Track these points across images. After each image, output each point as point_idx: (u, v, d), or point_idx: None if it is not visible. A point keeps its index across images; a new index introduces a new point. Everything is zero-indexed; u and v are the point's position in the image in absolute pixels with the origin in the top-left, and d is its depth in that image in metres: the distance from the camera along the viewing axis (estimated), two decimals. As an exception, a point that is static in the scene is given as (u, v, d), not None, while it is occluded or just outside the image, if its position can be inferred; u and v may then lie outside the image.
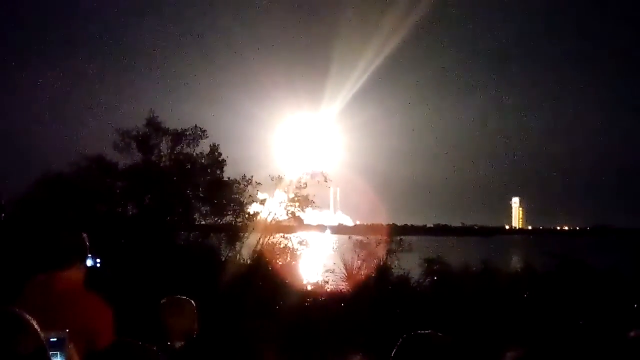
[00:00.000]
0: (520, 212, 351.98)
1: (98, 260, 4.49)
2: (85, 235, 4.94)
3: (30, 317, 2.37)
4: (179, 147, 23.61)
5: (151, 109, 23.89)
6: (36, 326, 2.36)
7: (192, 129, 23.65)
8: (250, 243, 23.83)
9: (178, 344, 4.82)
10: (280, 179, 24.95)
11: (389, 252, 23.71)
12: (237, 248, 23.41)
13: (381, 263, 23.32)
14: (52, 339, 2.41)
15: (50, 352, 2.48)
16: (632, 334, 3.47)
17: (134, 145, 23.07)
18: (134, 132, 23.13)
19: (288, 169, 27.22)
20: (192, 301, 5.15)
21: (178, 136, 23.51)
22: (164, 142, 23.53)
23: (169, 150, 23.58)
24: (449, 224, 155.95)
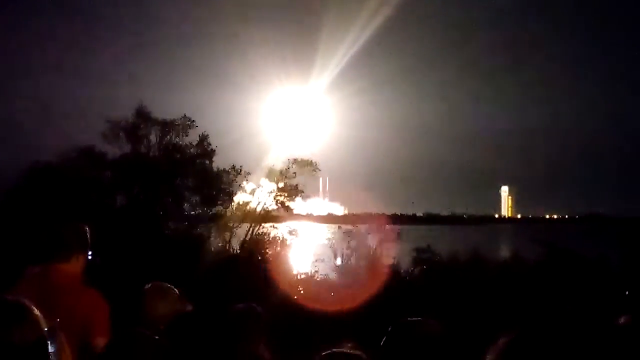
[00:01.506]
0: (510, 201, 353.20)
1: (89, 252, 4.45)
2: (86, 227, 4.92)
3: (32, 306, 2.38)
4: (168, 137, 23.56)
5: (140, 99, 23.87)
6: (38, 315, 2.37)
7: (181, 118, 23.62)
8: (239, 233, 23.83)
9: (161, 326, 4.81)
10: (269, 168, 25.00)
11: (379, 241, 23.74)
12: (227, 238, 23.40)
13: (371, 252, 23.35)
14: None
15: None
16: (621, 320, 3.48)
17: (123, 135, 23.01)
18: (123, 122, 23.08)
19: (277, 147, 27.29)
20: (176, 288, 5.14)
21: (167, 126, 23.46)
22: (153, 132, 23.50)
23: (158, 141, 23.53)
24: (438, 212, 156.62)
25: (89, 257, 4.90)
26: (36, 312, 2.38)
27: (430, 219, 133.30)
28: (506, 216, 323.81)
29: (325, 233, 29.55)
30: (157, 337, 3.74)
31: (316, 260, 23.66)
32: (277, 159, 25.79)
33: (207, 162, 23.83)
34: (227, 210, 24.04)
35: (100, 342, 4.41)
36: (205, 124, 24.49)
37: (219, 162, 24.10)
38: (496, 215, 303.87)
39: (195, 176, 23.42)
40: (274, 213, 24.97)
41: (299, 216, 27.83)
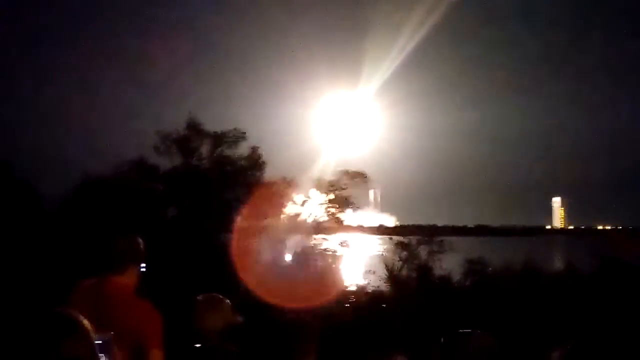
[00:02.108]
0: (561, 212, 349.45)
1: (143, 264, 4.47)
2: (140, 239, 4.94)
3: (83, 319, 2.37)
4: (219, 149, 23.66)
5: (190, 111, 23.99)
6: (89, 328, 2.36)
7: (232, 131, 23.70)
8: (290, 244, 23.82)
9: (214, 340, 4.82)
10: (320, 179, 25.00)
11: (430, 252, 23.66)
12: (278, 249, 23.41)
13: (422, 264, 23.29)
14: (96, 341, 2.40)
15: None
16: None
17: (174, 148, 23.15)
18: (175, 135, 23.21)
19: (328, 151, 27.41)
20: (227, 300, 5.14)
21: (218, 139, 23.56)
22: (204, 144, 23.61)
23: (209, 153, 23.65)
24: (489, 224, 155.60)
25: (143, 269, 4.93)
26: (87, 324, 2.36)
27: (481, 230, 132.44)
28: (558, 227, 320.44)
29: (377, 245, 29.53)
30: (236, 351, 3.78)
31: (367, 272, 23.66)
32: (327, 163, 25.83)
33: (258, 173, 23.89)
34: (278, 221, 24.06)
35: (154, 354, 4.44)
36: (256, 130, 24.63)
37: (271, 168, 24.21)
38: (548, 227, 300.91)
39: (246, 188, 23.46)
40: (324, 225, 24.92)
41: (349, 227, 27.79)
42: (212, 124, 24.24)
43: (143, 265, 4.92)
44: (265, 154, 24.21)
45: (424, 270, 23.04)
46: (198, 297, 5.10)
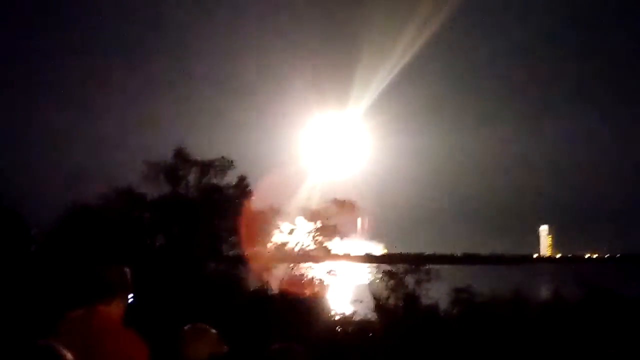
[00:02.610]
0: (549, 240, 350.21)
1: (130, 295, 4.47)
2: (127, 270, 4.94)
3: (66, 352, 2.36)
4: (207, 178, 23.68)
5: (180, 139, 24.07)
6: None
7: (219, 159, 23.73)
8: (278, 273, 23.80)
9: None
10: (307, 208, 25.01)
11: (418, 281, 23.64)
12: (265, 278, 23.38)
13: (409, 293, 23.26)
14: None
15: None
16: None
17: (162, 177, 23.15)
18: (162, 164, 23.21)
19: (316, 174, 27.51)
20: (214, 329, 5.13)
21: (206, 167, 23.59)
22: (192, 173, 23.63)
23: (197, 182, 23.66)
24: (477, 252, 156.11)
25: (130, 300, 4.92)
26: (70, 357, 2.37)
27: (469, 259, 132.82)
28: (546, 255, 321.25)
29: (364, 273, 29.55)
30: None
31: (354, 301, 23.64)
32: (315, 186, 25.90)
33: (246, 202, 23.89)
34: (265, 250, 24.04)
35: None
36: (243, 152, 24.80)
37: (258, 192, 24.28)
38: (535, 255, 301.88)
39: (233, 217, 23.44)
40: (312, 253, 24.88)
41: (337, 256, 27.77)
42: (200, 150, 24.32)
43: (130, 295, 4.91)
44: (252, 176, 24.32)
45: (411, 299, 23.02)
46: (184, 327, 5.10)
